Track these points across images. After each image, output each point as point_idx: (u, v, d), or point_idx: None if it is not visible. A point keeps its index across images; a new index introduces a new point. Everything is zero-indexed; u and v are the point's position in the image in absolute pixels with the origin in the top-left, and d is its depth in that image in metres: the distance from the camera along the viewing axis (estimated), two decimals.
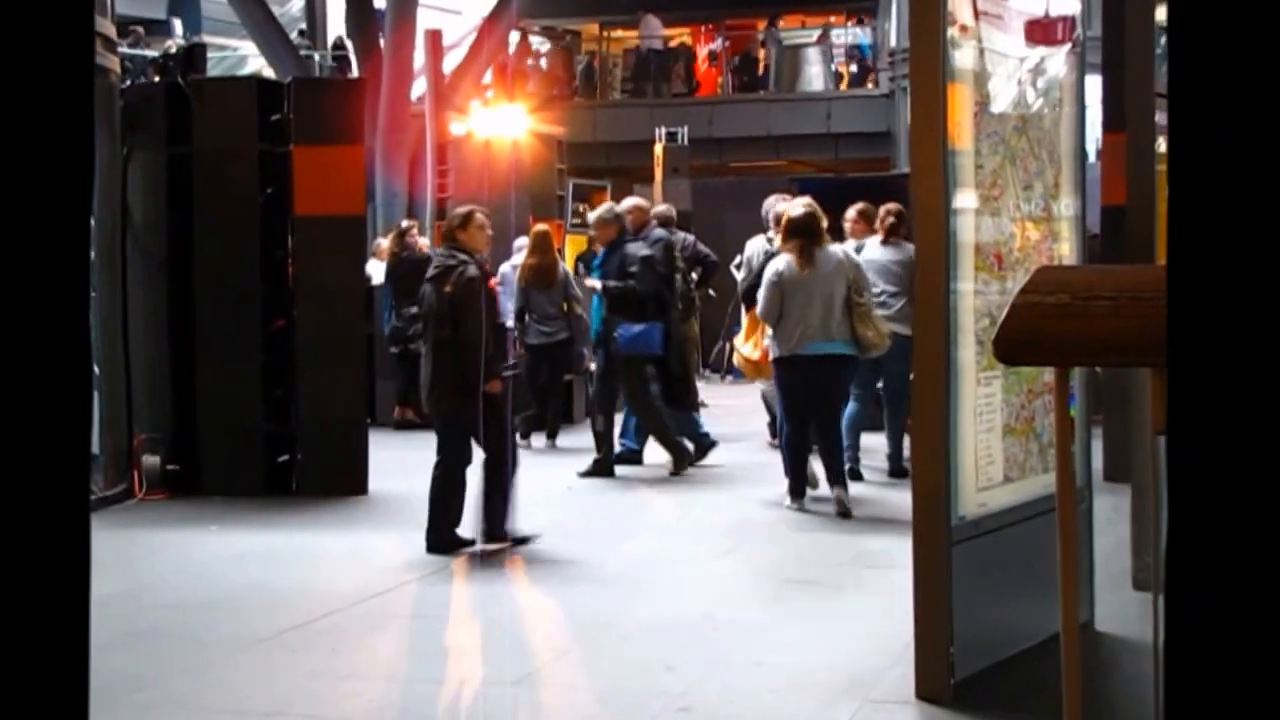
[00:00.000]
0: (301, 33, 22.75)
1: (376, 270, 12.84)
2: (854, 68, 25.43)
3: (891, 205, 9.44)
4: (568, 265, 12.07)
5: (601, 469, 9.65)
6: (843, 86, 25.10)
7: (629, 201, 10.36)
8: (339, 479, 9.14)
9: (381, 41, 19.16)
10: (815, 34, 25.95)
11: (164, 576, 7.01)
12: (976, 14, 5.10)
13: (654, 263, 9.62)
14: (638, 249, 9.65)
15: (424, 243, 12.88)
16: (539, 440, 11.14)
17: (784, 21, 26.03)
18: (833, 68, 25.29)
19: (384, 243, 13.51)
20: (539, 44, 26.57)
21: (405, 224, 13.03)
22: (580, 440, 10.84)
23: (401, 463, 9.38)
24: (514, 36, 23.13)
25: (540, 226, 11.61)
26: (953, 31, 4.93)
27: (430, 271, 7.48)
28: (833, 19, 25.97)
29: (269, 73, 18.43)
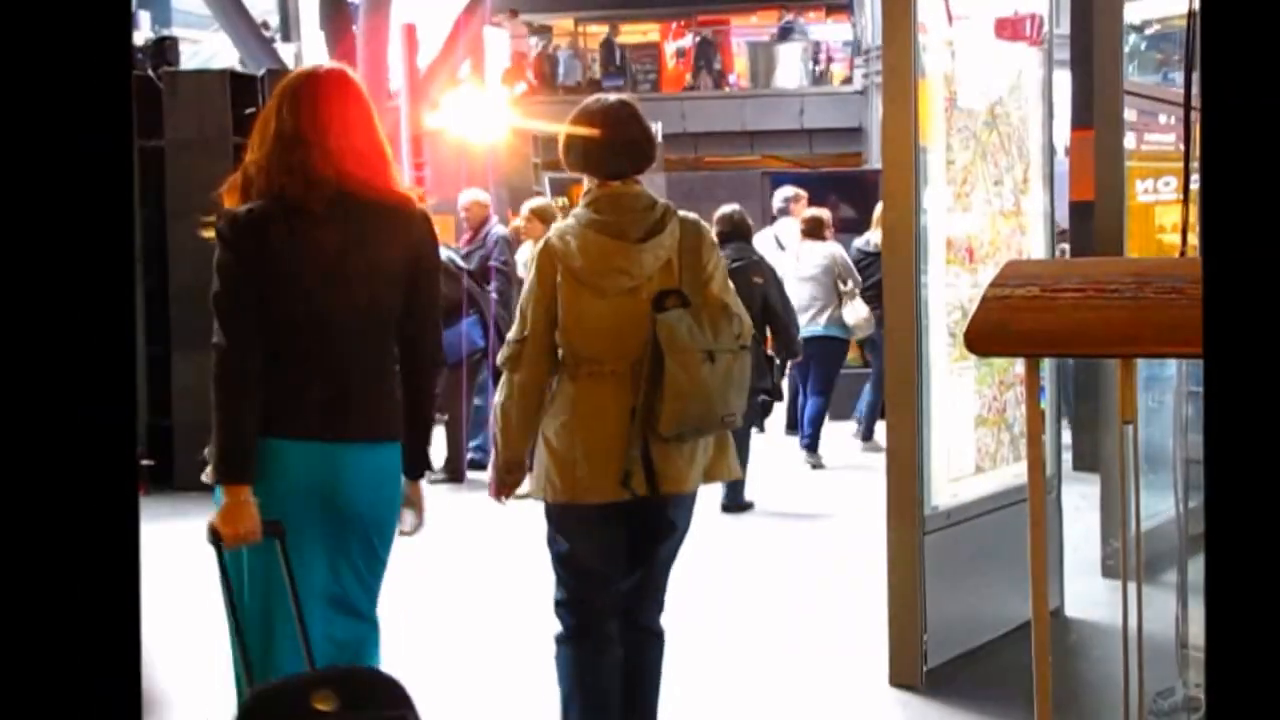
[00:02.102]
0: (265, 25, 22.64)
1: None
2: (817, 65, 25.56)
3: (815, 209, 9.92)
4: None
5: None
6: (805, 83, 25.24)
7: (466, 196, 9.87)
8: None
9: (355, 34, 19.12)
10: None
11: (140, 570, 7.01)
12: (951, 19, 5.17)
13: (451, 266, 8.91)
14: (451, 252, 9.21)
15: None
16: None
17: (759, 15, 26.10)
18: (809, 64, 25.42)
19: None
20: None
21: None
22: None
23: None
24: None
25: (518, 220, 11.64)
26: (926, 39, 5.01)
27: (730, 267, 7.92)
28: (811, 14, 26.08)
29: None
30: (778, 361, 8.62)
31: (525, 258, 8.88)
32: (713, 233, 3.97)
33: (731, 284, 3.83)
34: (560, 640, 3.79)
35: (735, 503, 8.20)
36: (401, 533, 3.46)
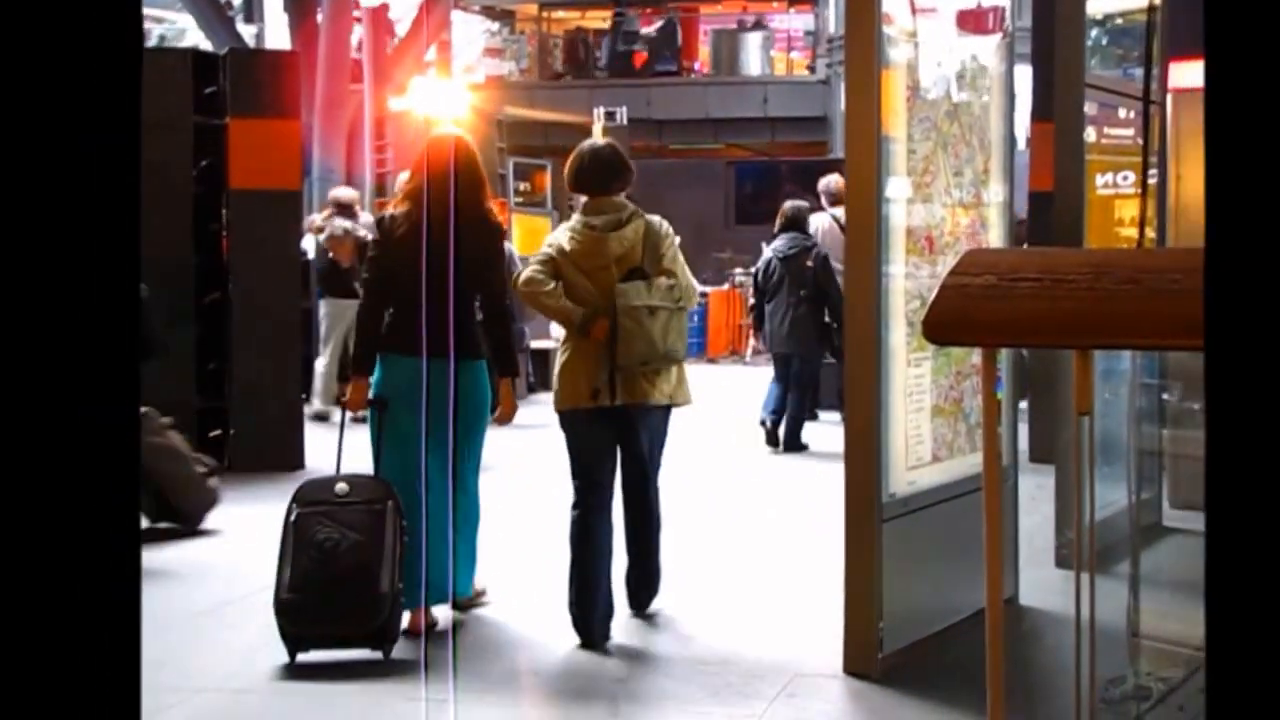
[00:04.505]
0: (229, 5, 22.47)
1: (312, 246, 12.78)
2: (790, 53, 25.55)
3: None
4: (514, 245, 12.18)
5: None
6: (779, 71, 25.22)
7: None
8: (273, 454, 9.11)
9: (319, 16, 19.00)
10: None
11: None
12: (914, 10, 5.19)
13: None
14: None
15: (365, 218, 12.80)
16: None
17: (724, 6, 26.06)
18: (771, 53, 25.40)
19: (319, 218, 13.42)
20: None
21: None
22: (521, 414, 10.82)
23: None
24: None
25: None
26: (889, 29, 5.02)
27: (786, 252, 9.94)
28: (774, 4, 26.06)
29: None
30: (835, 326, 9.81)
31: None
32: (668, 227, 5.48)
33: (682, 259, 5.48)
34: (573, 506, 5.46)
35: (794, 442, 9.93)
36: (494, 421, 5.70)
